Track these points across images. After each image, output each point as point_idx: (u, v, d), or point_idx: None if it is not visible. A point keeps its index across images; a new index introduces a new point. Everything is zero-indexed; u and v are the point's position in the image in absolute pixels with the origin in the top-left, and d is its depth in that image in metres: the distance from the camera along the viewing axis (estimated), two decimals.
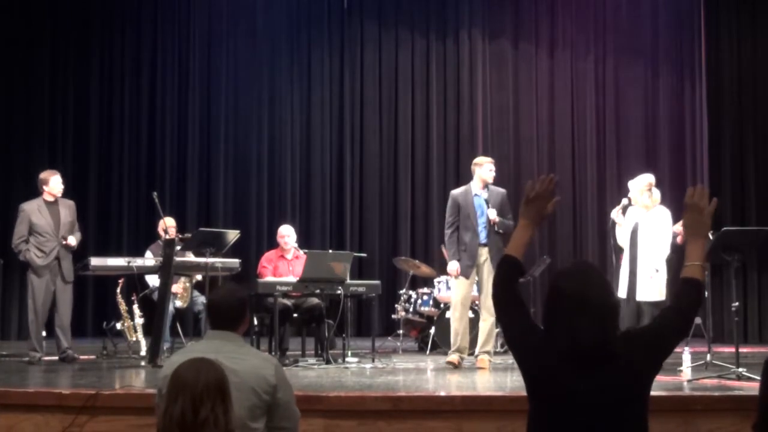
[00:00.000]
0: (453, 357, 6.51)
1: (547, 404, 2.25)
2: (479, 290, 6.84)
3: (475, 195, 6.70)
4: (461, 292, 6.68)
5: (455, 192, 6.90)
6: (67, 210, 7.06)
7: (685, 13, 10.96)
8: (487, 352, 6.51)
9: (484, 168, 6.75)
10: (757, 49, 10.59)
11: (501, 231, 6.56)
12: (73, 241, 6.96)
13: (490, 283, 6.37)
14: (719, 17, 10.69)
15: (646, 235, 6.36)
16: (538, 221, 2.51)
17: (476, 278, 6.73)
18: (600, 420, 2.19)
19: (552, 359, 2.24)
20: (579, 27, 11.12)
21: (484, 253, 6.61)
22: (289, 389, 2.97)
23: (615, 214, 6.60)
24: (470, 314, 7.60)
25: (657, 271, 6.24)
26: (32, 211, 6.91)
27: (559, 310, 2.26)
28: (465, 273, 6.62)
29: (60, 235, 6.89)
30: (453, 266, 6.67)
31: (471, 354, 6.79)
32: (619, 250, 6.70)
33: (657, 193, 6.50)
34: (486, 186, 6.73)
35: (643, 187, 6.46)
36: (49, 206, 6.97)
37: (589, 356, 2.20)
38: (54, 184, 7.02)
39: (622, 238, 6.56)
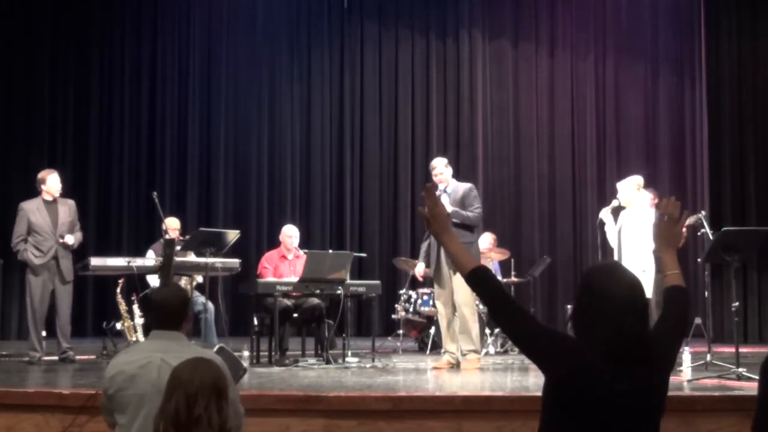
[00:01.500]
0: (439, 361, 6.48)
1: (578, 406, 2.21)
2: (445, 287, 6.62)
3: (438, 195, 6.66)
4: (436, 293, 6.74)
5: None
6: (67, 209, 7.03)
7: (685, 12, 10.96)
8: (474, 351, 6.34)
9: (432, 173, 6.77)
10: (757, 49, 10.59)
11: (456, 220, 6.36)
12: (70, 239, 6.91)
13: (455, 281, 6.31)
14: (719, 17, 10.70)
15: (629, 235, 6.40)
16: (448, 228, 2.47)
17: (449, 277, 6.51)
18: (632, 420, 2.21)
19: (589, 360, 2.21)
20: (579, 27, 11.13)
21: (443, 254, 6.47)
22: (234, 388, 2.99)
23: (604, 214, 6.64)
24: None
25: (644, 271, 6.21)
26: (31, 210, 6.90)
27: (601, 310, 2.23)
28: (434, 277, 6.68)
29: (57, 234, 6.88)
30: (419, 268, 6.88)
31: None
32: (608, 250, 6.73)
33: (645, 194, 6.53)
34: (447, 185, 6.65)
35: (632, 187, 6.49)
36: (48, 205, 6.95)
37: (631, 355, 2.21)
38: (51, 183, 6.99)
39: (611, 238, 6.59)
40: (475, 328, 6.43)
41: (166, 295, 3.11)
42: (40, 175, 7.07)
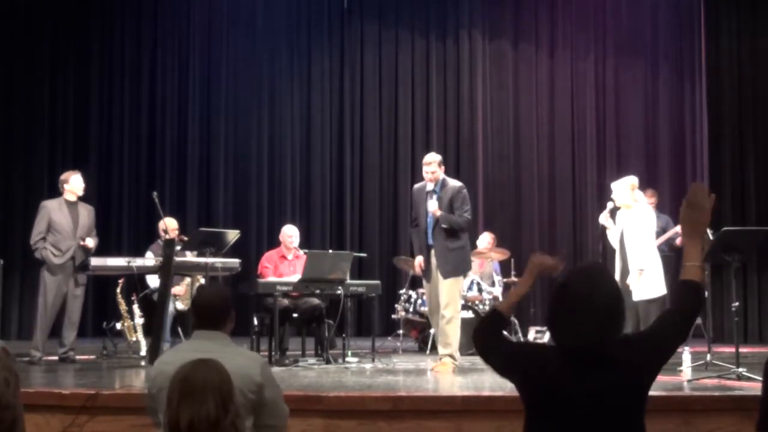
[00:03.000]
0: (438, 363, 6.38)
1: (546, 407, 2.25)
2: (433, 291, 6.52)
3: (428, 192, 6.50)
4: (427, 297, 6.67)
5: (414, 187, 6.78)
6: (87, 213, 7.11)
7: (685, 13, 10.95)
8: (449, 355, 6.21)
9: (424, 168, 6.57)
10: (757, 49, 10.58)
11: (445, 226, 6.31)
12: (90, 242, 7.01)
13: (441, 284, 6.25)
14: (719, 17, 10.69)
15: (630, 236, 6.39)
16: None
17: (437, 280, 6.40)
18: (599, 422, 2.20)
19: (553, 361, 2.24)
20: (579, 27, 11.12)
21: (432, 256, 6.39)
22: (276, 387, 2.99)
23: (603, 219, 6.63)
24: (470, 314, 7.63)
25: (641, 270, 6.22)
26: (53, 208, 6.94)
27: (564, 310, 2.27)
28: (424, 277, 6.58)
29: (78, 236, 6.91)
30: (417, 260, 6.58)
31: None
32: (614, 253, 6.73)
33: (639, 194, 6.54)
34: (437, 182, 6.48)
35: (626, 188, 6.48)
36: (70, 206, 7.01)
37: (589, 357, 2.21)
38: (74, 183, 7.06)
39: (613, 240, 6.59)
40: (454, 332, 6.30)
41: (207, 295, 3.14)
42: (63, 175, 7.15)
